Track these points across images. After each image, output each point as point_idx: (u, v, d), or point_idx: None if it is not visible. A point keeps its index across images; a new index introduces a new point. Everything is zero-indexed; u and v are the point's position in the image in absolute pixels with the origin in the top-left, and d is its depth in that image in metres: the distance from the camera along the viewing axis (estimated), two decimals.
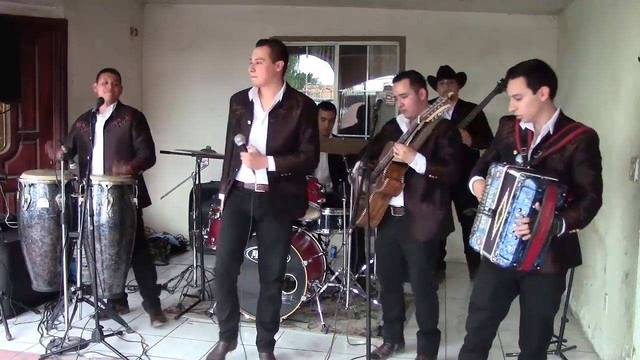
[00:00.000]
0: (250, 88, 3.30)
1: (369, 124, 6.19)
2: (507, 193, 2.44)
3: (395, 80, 3.38)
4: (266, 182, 3.22)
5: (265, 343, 3.47)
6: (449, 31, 5.79)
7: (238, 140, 3.14)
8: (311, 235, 4.50)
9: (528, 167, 2.50)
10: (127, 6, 6.11)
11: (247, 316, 3.95)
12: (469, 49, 5.70)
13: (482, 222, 2.58)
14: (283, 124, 3.22)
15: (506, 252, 2.43)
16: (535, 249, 2.41)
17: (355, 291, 4.43)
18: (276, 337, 3.51)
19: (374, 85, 6.44)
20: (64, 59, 5.17)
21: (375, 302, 4.10)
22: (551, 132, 2.55)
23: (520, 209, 2.38)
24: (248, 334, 3.57)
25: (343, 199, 4.39)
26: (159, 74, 6.32)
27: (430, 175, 3.20)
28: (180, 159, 4.70)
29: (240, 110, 3.30)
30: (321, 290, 4.35)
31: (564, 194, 2.41)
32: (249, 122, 3.24)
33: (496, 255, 2.47)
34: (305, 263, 4.05)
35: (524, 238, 2.38)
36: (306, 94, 6.55)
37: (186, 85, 6.14)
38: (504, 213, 2.44)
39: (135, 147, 3.93)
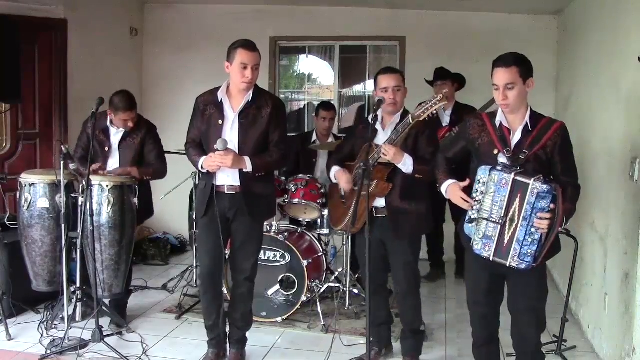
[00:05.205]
0: (218, 88, 3.29)
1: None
2: (517, 199, 2.48)
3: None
4: (237, 183, 3.23)
5: (235, 340, 3.47)
6: (449, 31, 5.79)
7: (220, 147, 3.09)
8: (311, 235, 4.50)
9: (518, 168, 2.53)
10: (127, 6, 6.11)
11: None
12: (469, 49, 5.69)
13: (489, 230, 2.58)
14: (253, 124, 3.22)
15: (526, 255, 2.50)
16: (547, 245, 2.50)
17: (355, 291, 4.43)
18: (276, 337, 3.50)
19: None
20: (64, 59, 5.17)
21: None
22: (529, 128, 2.58)
23: (541, 210, 2.46)
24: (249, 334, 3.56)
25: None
26: (159, 74, 6.32)
27: (416, 175, 3.18)
28: (180, 159, 4.67)
29: (209, 109, 3.27)
30: (321, 290, 4.34)
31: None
32: (220, 121, 3.23)
33: (514, 259, 2.52)
34: (305, 263, 4.05)
35: (541, 232, 2.46)
36: (306, 94, 6.61)
37: (186, 86, 6.11)
38: (518, 219, 2.49)
39: (147, 161, 3.96)
